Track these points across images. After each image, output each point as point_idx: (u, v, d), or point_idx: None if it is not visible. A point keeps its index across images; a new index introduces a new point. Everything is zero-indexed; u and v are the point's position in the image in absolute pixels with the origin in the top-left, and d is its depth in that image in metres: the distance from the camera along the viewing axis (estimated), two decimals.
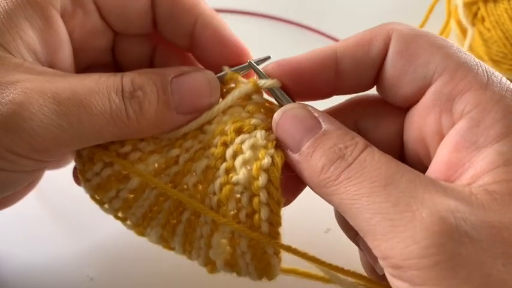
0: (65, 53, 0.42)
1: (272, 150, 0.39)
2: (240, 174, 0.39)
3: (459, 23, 0.77)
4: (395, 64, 0.38)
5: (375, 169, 0.33)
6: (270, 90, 0.41)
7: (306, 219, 0.52)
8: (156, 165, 0.41)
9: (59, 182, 0.51)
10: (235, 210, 0.40)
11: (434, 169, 0.36)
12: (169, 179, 0.41)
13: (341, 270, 0.42)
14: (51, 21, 0.40)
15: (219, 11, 0.80)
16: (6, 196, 0.41)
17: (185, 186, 0.41)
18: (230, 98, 0.41)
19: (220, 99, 0.42)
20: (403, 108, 0.40)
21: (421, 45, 0.37)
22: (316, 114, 0.38)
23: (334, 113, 0.41)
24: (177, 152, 0.41)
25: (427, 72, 0.36)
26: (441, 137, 0.36)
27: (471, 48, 0.76)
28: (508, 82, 0.35)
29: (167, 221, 0.42)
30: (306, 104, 0.40)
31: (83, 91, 0.36)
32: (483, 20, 0.72)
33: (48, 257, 0.55)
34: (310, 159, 0.36)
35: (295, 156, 0.37)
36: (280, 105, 0.41)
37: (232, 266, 0.42)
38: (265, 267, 0.42)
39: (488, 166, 0.32)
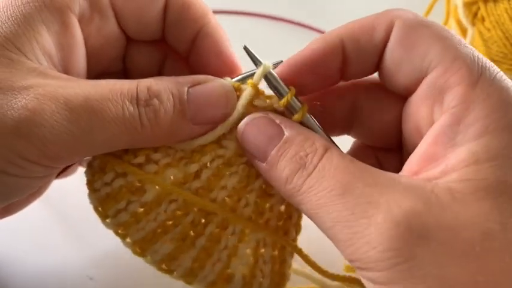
0: (80, 57, 0.42)
1: None
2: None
3: (459, 23, 0.77)
4: (395, 53, 0.38)
5: (332, 176, 0.34)
6: (265, 79, 0.40)
7: None
8: (172, 177, 0.41)
9: (60, 183, 0.51)
10: (263, 220, 0.42)
11: (411, 158, 0.36)
12: (191, 193, 0.41)
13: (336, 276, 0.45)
14: (68, 26, 0.40)
15: (223, 12, 0.80)
16: (11, 203, 0.40)
17: (212, 200, 0.41)
18: (240, 106, 0.41)
19: None
20: (402, 97, 0.40)
21: (422, 35, 0.37)
22: (277, 121, 0.38)
23: (334, 90, 0.42)
24: (196, 167, 0.41)
25: (423, 63, 0.36)
26: None
27: None
28: (503, 78, 0.35)
29: (187, 235, 0.42)
30: (268, 112, 0.40)
31: (95, 97, 0.36)
32: (483, 20, 0.72)
33: (48, 257, 0.55)
34: (276, 169, 0.37)
35: (263, 166, 0.38)
36: (277, 95, 0.40)
37: (247, 282, 0.43)
38: (279, 280, 0.44)
39: (459, 164, 0.32)
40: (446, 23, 0.79)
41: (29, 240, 0.56)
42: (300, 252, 0.43)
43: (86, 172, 0.43)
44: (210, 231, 0.42)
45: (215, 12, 0.79)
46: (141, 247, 0.42)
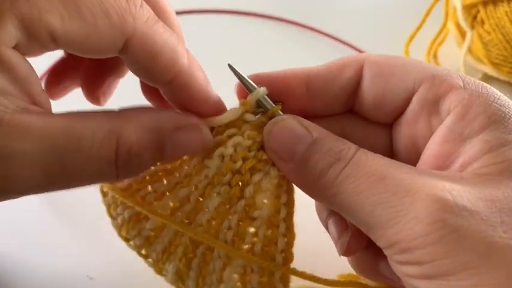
0: (36, 83, 0.36)
1: (285, 187, 0.41)
2: (264, 210, 0.41)
3: (458, 26, 0.77)
4: (375, 85, 0.40)
5: (370, 165, 0.35)
6: (259, 101, 0.41)
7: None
8: (171, 204, 0.42)
9: None
10: (249, 245, 0.41)
11: (424, 162, 0.38)
12: (185, 216, 0.42)
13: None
14: (8, 66, 0.33)
15: (233, 12, 0.80)
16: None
17: (199, 222, 0.42)
18: (231, 113, 0.41)
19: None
20: (385, 125, 0.42)
21: (394, 64, 0.40)
22: (305, 124, 0.39)
23: (321, 121, 0.41)
24: (187, 191, 0.42)
25: (406, 85, 0.39)
26: None
27: (470, 51, 0.76)
28: (480, 82, 0.38)
29: (184, 255, 0.43)
30: (295, 115, 0.40)
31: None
32: (483, 22, 0.73)
33: (49, 257, 0.55)
34: (306, 165, 0.37)
35: (288, 166, 0.39)
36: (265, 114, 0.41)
37: None
38: None
39: (476, 154, 0.34)
40: (444, 26, 0.79)
41: (30, 241, 0.56)
42: (294, 272, 0.42)
43: (103, 200, 0.46)
44: (201, 252, 0.42)
45: (212, 12, 0.80)
46: (158, 267, 0.45)
